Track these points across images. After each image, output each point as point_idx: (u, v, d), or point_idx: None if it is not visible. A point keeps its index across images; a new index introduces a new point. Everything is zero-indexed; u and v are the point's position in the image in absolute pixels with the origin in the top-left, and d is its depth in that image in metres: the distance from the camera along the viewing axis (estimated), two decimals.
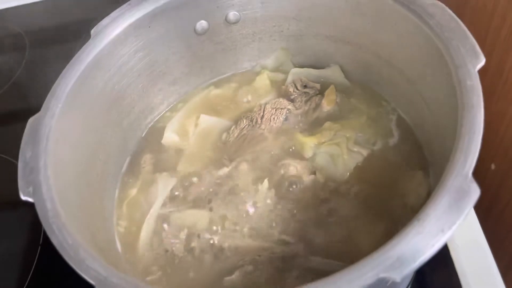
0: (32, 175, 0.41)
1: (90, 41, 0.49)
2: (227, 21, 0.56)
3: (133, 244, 0.50)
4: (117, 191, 0.54)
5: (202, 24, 0.56)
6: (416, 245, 0.31)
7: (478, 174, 0.89)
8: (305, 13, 0.55)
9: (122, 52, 0.52)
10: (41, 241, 0.60)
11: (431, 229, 0.31)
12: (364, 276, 0.31)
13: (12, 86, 0.80)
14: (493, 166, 0.80)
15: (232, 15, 0.56)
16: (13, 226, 0.65)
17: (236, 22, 0.57)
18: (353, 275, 0.31)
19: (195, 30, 0.56)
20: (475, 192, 0.33)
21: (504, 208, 0.80)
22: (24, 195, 0.40)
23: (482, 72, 0.40)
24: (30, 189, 0.40)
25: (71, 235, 0.37)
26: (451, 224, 0.31)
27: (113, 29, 0.50)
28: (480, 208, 0.86)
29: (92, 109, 0.50)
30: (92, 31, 0.50)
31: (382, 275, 0.30)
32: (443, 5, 0.44)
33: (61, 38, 0.86)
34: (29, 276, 0.58)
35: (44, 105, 0.45)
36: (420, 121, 0.51)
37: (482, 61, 0.39)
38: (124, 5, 0.51)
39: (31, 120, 0.44)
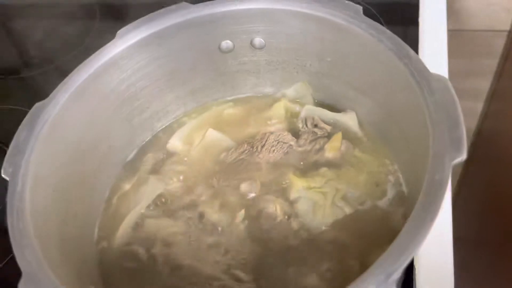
0: (17, 156, 0.44)
1: (113, 41, 0.52)
2: (252, 45, 0.56)
3: (108, 237, 0.53)
4: (113, 182, 0.57)
5: (227, 43, 0.56)
6: None
7: None
8: (326, 55, 0.54)
9: (143, 56, 0.54)
10: None
11: None
12: None
13: (80, 51, 0.85)
14: None
15: (258, 41, 0.56)
16: None
17: (261, 48, 0.57)
18: None
19: (219, 48, 0.57)
20: None
21: None
22: (4, 174, 0.44)
23: None
24: (11, 169, 0.44)
25: (25, 221, 0.40)
26: None
27: (136, 34, 0.52)
28: None
29: (102, 103, 0.53)
30: (118, 33, 0.53)
31: None
32: (448, 83, 0.41)
33: (132, 14, 0.90)
34: None
35: (52, 94, 0.49)
36: (413, 193, 0.48)
37: (462, 156, 0.37)
38: (154, 13, 0.53)
39: (36, 105, 0.48)
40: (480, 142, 1.17)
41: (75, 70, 0.50)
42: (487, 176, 1.13)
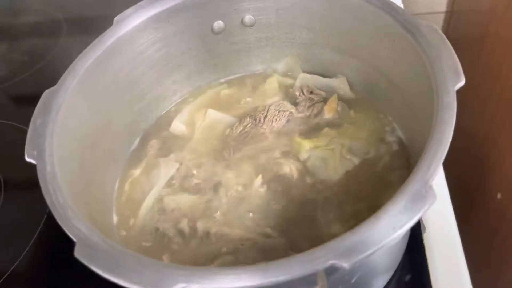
0: (38, 140, 0.45)
1: (111, 27, 0.54)
2: (243, 23, 0.60)
3: (128, 220, 0.54)
4: (121, 170, 0.58)
5: (219, 24, 0.59)
6: (367, 239, 0.33)
7: (484, 203, 0.89)
8: (315, 24, 0.58)
9: (141, 41, 0.56)
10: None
11: (383, 226, 0.34)
12: (316, 261, 0.33)
13: (43, 67, 0.85)
14: (499, 196, 0.80)
15: (248, 18, 0.59)
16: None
17: (251, 25, 0.60)
18: (306, 259, 0.33)
19: (212, 29, 0.59)
20: (431, 198, 0.34)
21: (505, 240, 0.79)
22: (29, 157, 0.44)
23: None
24: (35, 152, 0.44)
25: (64, 196, 0.41)
26: (402, 224, 0.33)
27: (134, 19, 0.54)
28: (483, 238, 0.86)
29: (106, 89, 0.54)
30: (115, 19, 0.54)
31: (332, 261, 0.33)
32: (436, 27, 0.46)
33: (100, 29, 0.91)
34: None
35: (60, 80, 0.49)
36: (411, 136, 0.53)
37: (461, 82, 0.41)
38: None
39: (46, 92, 0.48)
40: None
41: (79, 56, 0.51)
42: None
